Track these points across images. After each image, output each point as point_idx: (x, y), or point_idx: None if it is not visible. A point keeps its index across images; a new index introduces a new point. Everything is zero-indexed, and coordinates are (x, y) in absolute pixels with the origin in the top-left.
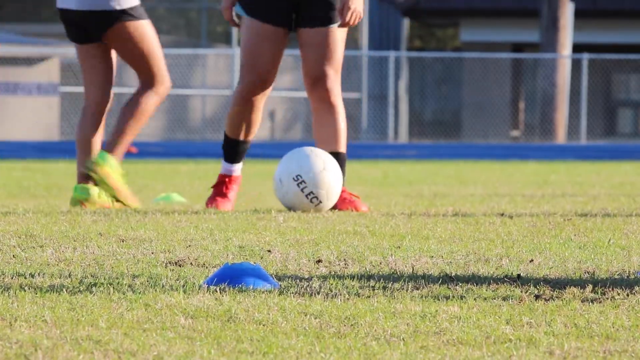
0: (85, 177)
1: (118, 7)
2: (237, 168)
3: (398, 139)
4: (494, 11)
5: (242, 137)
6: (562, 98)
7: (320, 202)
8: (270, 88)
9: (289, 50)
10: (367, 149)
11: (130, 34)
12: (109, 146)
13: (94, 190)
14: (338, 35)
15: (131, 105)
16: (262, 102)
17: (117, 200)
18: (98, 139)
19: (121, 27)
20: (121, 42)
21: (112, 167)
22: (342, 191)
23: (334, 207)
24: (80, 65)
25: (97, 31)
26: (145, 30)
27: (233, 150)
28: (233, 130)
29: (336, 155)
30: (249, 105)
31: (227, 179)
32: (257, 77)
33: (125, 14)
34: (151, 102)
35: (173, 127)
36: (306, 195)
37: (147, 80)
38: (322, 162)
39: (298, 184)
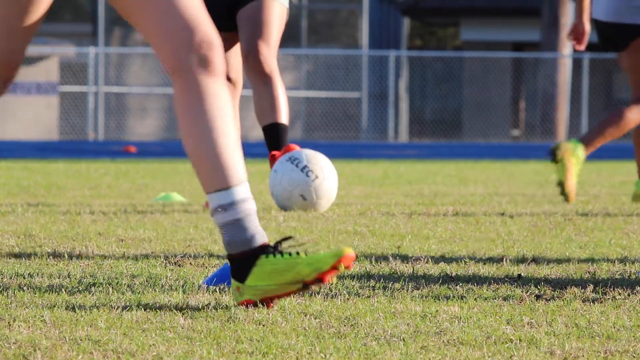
0: None
1: None
2: None
3: (398, 139)
4: (495, 10)
5: None
6: (562, 97)
7: (317, 177)
8: (240, 87)
9: (289, 49)
10: (368, 148)
11: None
12: (585, 140)
13: None
14: (273, 10)
15: (616, 114)
16: (235, 103)
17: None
18: None
19: None
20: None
21: (577, 157)
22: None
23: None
24: (630, 70)
25: (621, 43)
26: None
27: None
28: None
29: (275, 126)
30: None
31: None
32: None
33: None
34: (633, 117)
35: (173, 127)
36: (301, 169)
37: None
38: (310, 150)
39: (292, 162)
